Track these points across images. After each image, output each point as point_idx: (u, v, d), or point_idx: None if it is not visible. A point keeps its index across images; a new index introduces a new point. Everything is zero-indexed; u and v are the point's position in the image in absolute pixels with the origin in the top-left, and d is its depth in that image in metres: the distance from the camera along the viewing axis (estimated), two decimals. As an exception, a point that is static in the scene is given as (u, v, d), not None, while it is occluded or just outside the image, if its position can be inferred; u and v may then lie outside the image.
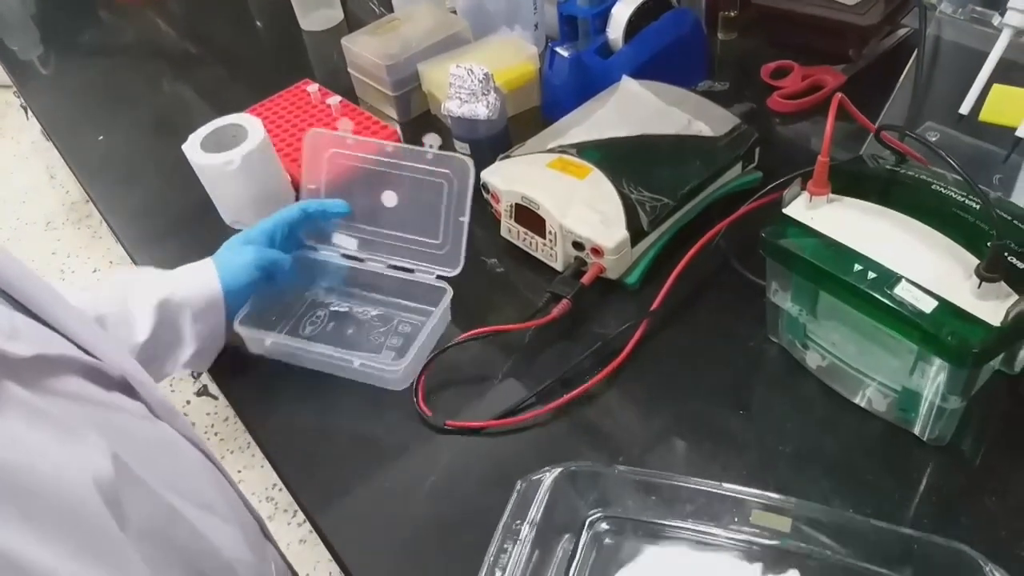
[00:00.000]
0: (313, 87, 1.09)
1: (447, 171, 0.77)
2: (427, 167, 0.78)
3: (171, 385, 1.93)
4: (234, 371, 0.80)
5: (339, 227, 0.83)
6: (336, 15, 1.30)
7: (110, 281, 0.74)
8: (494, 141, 0.82)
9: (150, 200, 1.05)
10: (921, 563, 0.54)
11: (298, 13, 1.29)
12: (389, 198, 0.81)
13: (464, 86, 0.90)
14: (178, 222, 0.99)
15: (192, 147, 0.92)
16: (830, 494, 0.64)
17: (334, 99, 1.05)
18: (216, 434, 1.86)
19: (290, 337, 0.78)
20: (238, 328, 0.76)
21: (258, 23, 1.42)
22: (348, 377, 0.75)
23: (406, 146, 0.79)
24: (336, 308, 0.83)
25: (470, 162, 0.76)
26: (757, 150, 0.87)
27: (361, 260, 0.83)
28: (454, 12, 1.14)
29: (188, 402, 1.90)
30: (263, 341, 0.77)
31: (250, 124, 0.93)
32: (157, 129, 1.17)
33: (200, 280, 0.75)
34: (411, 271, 0.80)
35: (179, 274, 0.76)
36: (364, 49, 1.06)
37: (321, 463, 0.72)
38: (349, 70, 1.11)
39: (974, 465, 0.64)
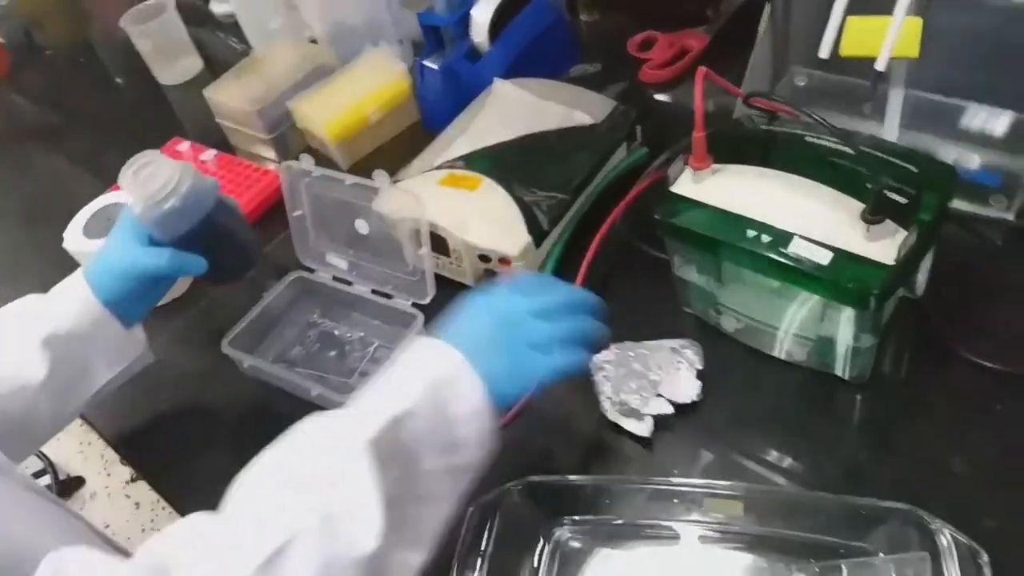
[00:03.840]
0: (184, 145, 1.05)
1: (399, 208, 0.77)
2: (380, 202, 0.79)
3: (107, 470, 1.85)
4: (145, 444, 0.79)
5: (332, 248, 0.85)
6: (195, 64, 1.25)
7: None
8: (219, 234, 0.70)
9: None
10: (873, 529, 0.56)
11: (154, 70, 1.24)
12: (362, 226, 0.82)
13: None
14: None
15: (74, 238, 0.88)
16: (772, 445, 0.66)
17: (208, 154, 1.02)
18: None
19: (263, 361, 0.79)
20: (225, 350, 0.77)
21: (118, 80, 1.36)
22: (315, 402, 0.75)
23: (360, 180, 0.78)
24: (325, 329, 0.84)
25: (418, 195, 0.76)
26: (638, 127, 0.88)
27: (350, 283, 0.84)
28: (314, 41, 1.12)
29: (129, 484, 1.82)
30: (242, 363, 0.78)
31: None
32: (32, 218, 1.12)
33: (77, 302, 0.69)
34: (390, 296, 0.81)
35: (55, 301, 0.70)
36: (230, 98, 1.03)
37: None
38: (218, 120, 1.08)
39: (897, 391, 0.67)
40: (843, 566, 0.56)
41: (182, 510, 0.74)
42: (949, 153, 0.78)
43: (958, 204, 0.70)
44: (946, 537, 0.53)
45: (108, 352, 0.71)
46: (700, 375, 0.69)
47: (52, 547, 0.48)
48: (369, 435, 0.50)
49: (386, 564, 0.49)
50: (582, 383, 0.71)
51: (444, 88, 0.97)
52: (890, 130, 0.76)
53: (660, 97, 0.99)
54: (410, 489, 0.51)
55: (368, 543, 0.48)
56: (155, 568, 0.47)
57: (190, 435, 0.79)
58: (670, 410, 0.68)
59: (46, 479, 1.69)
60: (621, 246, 0.81)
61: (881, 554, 0.56)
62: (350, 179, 0.79)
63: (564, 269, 0.81)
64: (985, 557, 0.51)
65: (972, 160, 0.78)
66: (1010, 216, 0.73)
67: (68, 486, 1.78)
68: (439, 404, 0.53)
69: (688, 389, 0.68)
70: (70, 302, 0.69)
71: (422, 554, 0.52)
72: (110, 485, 1.80)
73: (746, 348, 0.72)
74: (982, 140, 0.77)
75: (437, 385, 0.53)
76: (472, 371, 0.54)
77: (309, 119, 1.01)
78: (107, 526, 1.76)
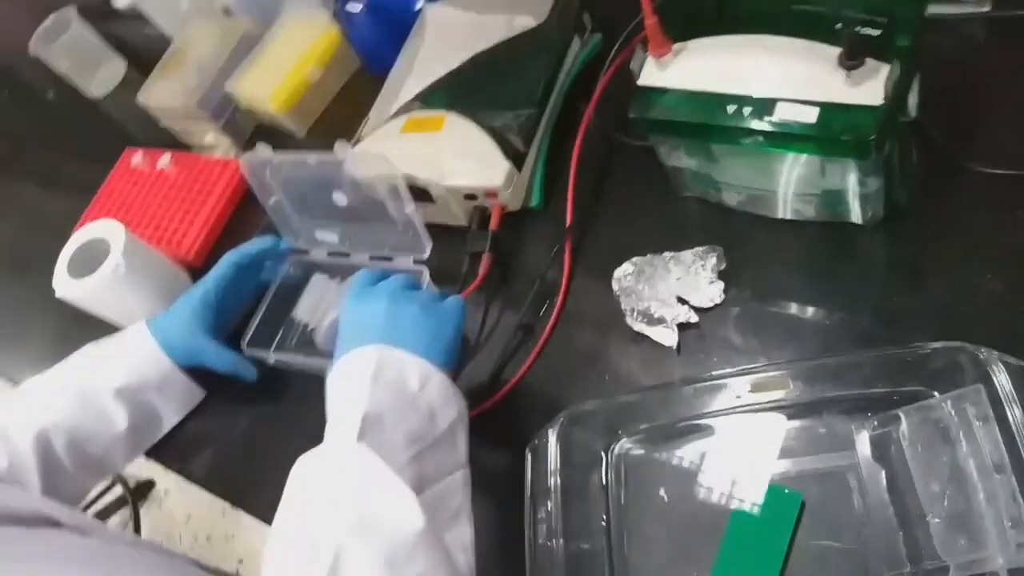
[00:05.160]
0: (137, 157, 1.01)
1: (370, 171, 0.74)
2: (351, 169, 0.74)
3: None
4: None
5: (318, 224, 0.83)
6: (118, 68, 1.19)
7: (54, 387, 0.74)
8: None
9: (35, 349, 0.99)
10: (923, 371, 0.56)
11: (80, 85, 1.18)
12: (340, 198, 0.79)
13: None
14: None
15: (64, 284, 0.86)
16: (802, 311, 0.65)
17: (164, 159, 0.99)
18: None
19: (287, 354, 0.79)
20: (246, 351, 0.79)
21: (50, 93, 1.28)
22: None
23: (323, 155, 0.74)
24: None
25: (384, 154, 0.72)
26: (585, 15, 0.83)
27: (347, 255, 0.83)
28: (227, 12, 1.06)
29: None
30: (268, 360, 0.79)
31: (105, 229, 0.88)
32: (14, 260, 1.09)
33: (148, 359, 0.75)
34: (391, 259, 0.80)
35: (124, 355, 0.76)
36: (165, 97, 0.99)
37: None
38: (162, 124, 1.04)
39: (915, 222, 0.65)
40: (901, 414, 0.56)
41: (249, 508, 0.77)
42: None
43: (933, 9, 0.66)
44: (996, 363, 0.52)
45: (176, 401, 0.79)
46: (722, 275, 0.68)
47: None
48: (352, 438, 0.51)
49: (441, 541, 0.50)
50: (605, 304, 0.70)
51: (374, 28, 0.92)
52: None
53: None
54: (420, 470, 0.53)
55: (414, 521, 0.48)
56: None
57: (236, 438, 0.81)
58: (695, 318, 0.67)
59: (118, 489, 1.72)
60: (604, 145, 0.79)
61: (936, 394, 0.56)
62: (313, 156, 0.75)
63: (553, 186, 0.79)
64: (1039, 373, 0.51)
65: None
66: (987, 7, 0.69)
67: (141, 491, 1.82)
68: (393, 389, 0.55)
69: (711, 293, 0.67)
70: (141, 357, 0.75)
71: (468, 525, 0.54)
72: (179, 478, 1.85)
73: (753, 218, 0.70)
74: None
75: (377, 377, 0.55)
76: (395, 349, 0.57)
77: (251, 97, 0.97)
78: (189, 517, 1.82)
